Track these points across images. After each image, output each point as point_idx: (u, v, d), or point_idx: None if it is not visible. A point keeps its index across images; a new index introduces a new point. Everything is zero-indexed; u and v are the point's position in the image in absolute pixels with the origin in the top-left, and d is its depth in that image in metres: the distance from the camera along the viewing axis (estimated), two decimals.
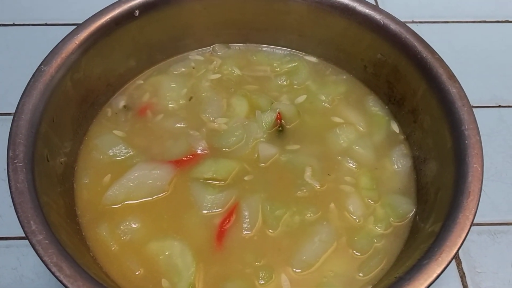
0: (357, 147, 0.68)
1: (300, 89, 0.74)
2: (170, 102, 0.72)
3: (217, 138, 0.68)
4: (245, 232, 0.61)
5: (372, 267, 0.59)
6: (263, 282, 0.57)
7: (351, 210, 0.63)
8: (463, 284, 0.68)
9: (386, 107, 0.73)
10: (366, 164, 0.67)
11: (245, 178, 0.65)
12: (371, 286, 0.58)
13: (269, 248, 0.60)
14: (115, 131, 0.68)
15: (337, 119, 0.71)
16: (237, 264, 0.59)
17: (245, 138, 0.68)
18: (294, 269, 0.59)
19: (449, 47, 0.94)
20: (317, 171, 0.66)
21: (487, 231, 0.72)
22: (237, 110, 0.71)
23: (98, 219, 0.61)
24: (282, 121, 0.70)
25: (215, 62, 0.76)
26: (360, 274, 0.59)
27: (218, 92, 0.73)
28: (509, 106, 0.86)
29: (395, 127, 0.71)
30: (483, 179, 0.55)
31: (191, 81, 0.74)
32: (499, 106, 0.86)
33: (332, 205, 0.63)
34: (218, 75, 0.75)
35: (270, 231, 0.61)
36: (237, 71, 0.76)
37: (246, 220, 0.61)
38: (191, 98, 0.72)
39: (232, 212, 0.62)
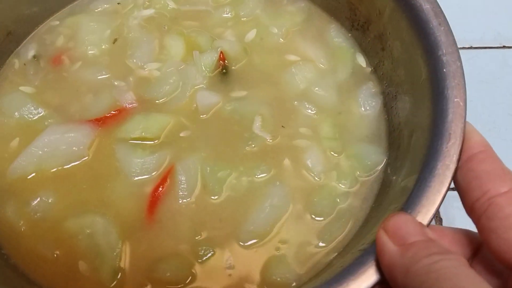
0: (316, 89, 0.57)
1: (248, 22, 0.62)
2: (90, 47, 0.59)
3: (147, 88, 0.56)
4: (182, 201, 0.50)
5: (335, 234, 0.49)
6: (201, 260, 0.48)
7: (310, 165, 0.52)
8: None
9: (350, 34, 0.61)
10: (327, 108, 0.56)
11: (181, 134, 0.54)
12: (336, 253, 0.48)
13: (210, 219, 0.50)
14: (22, 88, 0.56)
15: (293, 57, 0.59)
16: (172, 240, 0.49)
17: (181, 86, 0.56)
18: (241, 243, 0.49)
19: None
20: (268, 120, 0.55)
21: None
22: (171, 52, 0.59)
23: (2, 196, 0.51)
24: (226, 62, 0.58)
25: None
26: (320, 244, 0.49)
27: (149, 32, 0.60)
28: None
29: (361, 60, 0.59)
30: None
31: (116, 20, 0.61)
32: (504, 46, 0.71)
33: (286, 161, 0.53)
34: (149, 11, 0.62)
35: (212, 197, 0.51)
36: (171, 5, 0.63)
37: (183, 186, 0.51)
38: (115, 40, 0.60)
39: (166, 177, 0.51)
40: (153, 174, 0.52)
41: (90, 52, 0.59)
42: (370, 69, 0.59)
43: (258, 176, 0.52)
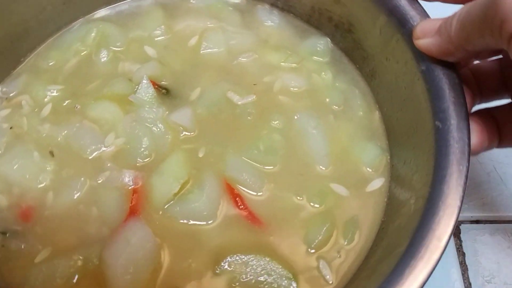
0: (233, 42, 0.60)
1: (129, 45, 0.60)
2: (37, 182, 0.51)
3: (130, 157, 0.52)
4: (261, 192, 0.51)
5: (366, 108, 0.57)
6: (327, 205, 0.50)
7: (297, 84, 0.58)
8: None
9: None
10: (256, 43, 0.61)
11: (200, 155, 0.52)
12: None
13: (292, 181, 0.52)
14: (36, 260, 0.47)
15: (193, 39, 0.61)
16: (289, 220, 0.50)
17: (151, 130, 0.53)
18: (325, 169, 0.52)
19: None
20: (237, 88, 0.57)
21: None
22: (108, 116, 0.54)
23: None
24: (158, 83, 0.56)
25: (24, 102, 0.55)
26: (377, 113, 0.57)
27: (69, 121, 0.54)
28: None
29: None
30: None
31: (28, 141, 0.53)
32: None
33: (281, 97, 0.57)
34: (46, 108, 0.55)
35: (274, 167, 0.52)
36: (54, 87, 0.56)
37: (249, 181, 0.51)
38: (52, 154, 0.52)
39: (232, 190, 0.51)
40: (221, 200, 0.50)
41: (41, 185, 0.51)
42: None
43: (279, 125, 0.55)
